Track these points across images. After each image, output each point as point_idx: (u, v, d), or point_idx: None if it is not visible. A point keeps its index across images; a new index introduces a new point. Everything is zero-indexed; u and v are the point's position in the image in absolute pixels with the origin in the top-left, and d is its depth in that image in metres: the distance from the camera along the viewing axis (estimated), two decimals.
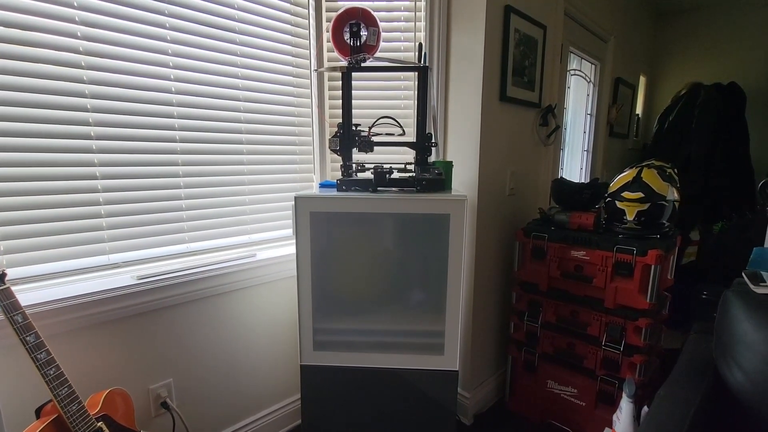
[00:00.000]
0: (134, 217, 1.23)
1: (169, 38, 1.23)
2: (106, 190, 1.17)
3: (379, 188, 1.24)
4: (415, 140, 1.33)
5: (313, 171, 1.67)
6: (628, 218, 1.35)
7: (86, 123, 1.11)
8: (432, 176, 1.25)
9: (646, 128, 3.40)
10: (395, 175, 1.29)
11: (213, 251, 1.43)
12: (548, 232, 1.53)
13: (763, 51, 2.90)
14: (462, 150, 1.56)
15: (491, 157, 1.58)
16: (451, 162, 1.37)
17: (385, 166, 1.30)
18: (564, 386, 1.55)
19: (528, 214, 1.89)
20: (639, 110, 3.23)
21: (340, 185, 1.26)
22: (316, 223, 1.23)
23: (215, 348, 1.38)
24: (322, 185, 1.40)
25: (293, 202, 1.19)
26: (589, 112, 2.42)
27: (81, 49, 1.09)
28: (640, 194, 1.31)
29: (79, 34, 1.08)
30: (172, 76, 1.26)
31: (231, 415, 1.45)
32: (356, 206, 1.18)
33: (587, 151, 2.48)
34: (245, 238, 1.51)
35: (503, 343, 1.87)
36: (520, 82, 1.64)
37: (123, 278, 1.20)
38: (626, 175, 1.38)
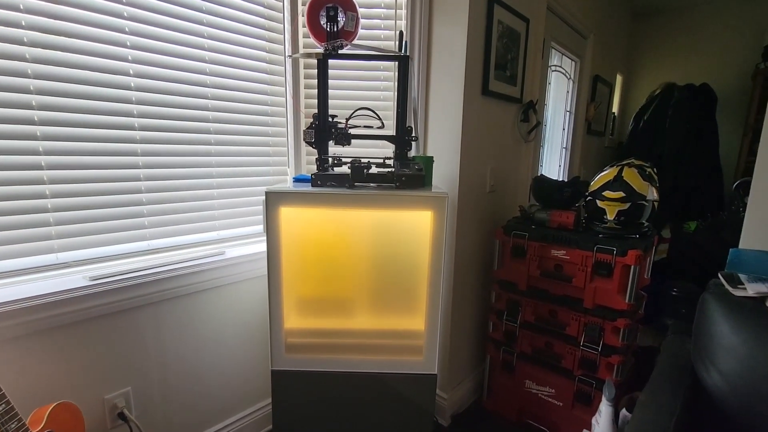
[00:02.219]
0: (86, 211, 1.12)
1: (126, 14, 1.12)
2: (52, 181, 1.05)
3: (356, 184, 1.18)
4: (394, 134, 1.27)
5: (287, 164, 1.58)
6: (609, 218, 1.34)
7: (29, 106, 1.00)
8: (412, 172, 1.19)
9: (622, 126, 3.45)
10: (374, 170, 1.23)
11: (178, 249, 1.33)
12: (528, 231, 1.50)
13: (735, 54, 2.98)
14: (442, 145, 1.51)
15: (472, 152, 1.54)
16: (432, 157, 1.32)
17: (363, 160, 1.23)
18: (542, 386, 1.54)
19: (508, 211, 1.87)
20: (615, 109, 3.27)
21: (314, 180, 1.19)
22: (288, 220, 1.15)
23: (180, 353, 1.29)
24: (297, 179, 1.32)
25: (264, 198, 1.11)
26: (568, 109, 2.42)
27: (23, 23, 0.97)
28: (621, 194, 1.30)
29: (21, 7, 0.96)
30: (129, 57, 1.14)
31: (197, 422, 1.36)
32: (332, 202, 1.12)
33: (566, 148, 2.48)
34: (213, 235, 1.42)
35: (481, 343, 1.86)
36: (503, 76, 1.60)
37: (74, 279, 1.09)
38: (607, 173, 1.37)
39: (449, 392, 1.66)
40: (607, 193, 1.33)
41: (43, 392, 1.03)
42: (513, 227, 1.55)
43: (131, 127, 1.17)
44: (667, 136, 2.72)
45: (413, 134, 1.27)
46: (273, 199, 1.11)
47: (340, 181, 1.17)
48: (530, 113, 1.83)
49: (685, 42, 3.16)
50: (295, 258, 1.20)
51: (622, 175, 1.32)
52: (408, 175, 1.18)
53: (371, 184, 1.20)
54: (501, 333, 1.63)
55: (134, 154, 1.19)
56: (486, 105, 1.56)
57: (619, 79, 3.21)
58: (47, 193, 1.05)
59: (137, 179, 1.21)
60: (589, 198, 1.40)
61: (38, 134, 1.02)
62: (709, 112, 2.77)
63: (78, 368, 1.08)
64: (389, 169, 1.26)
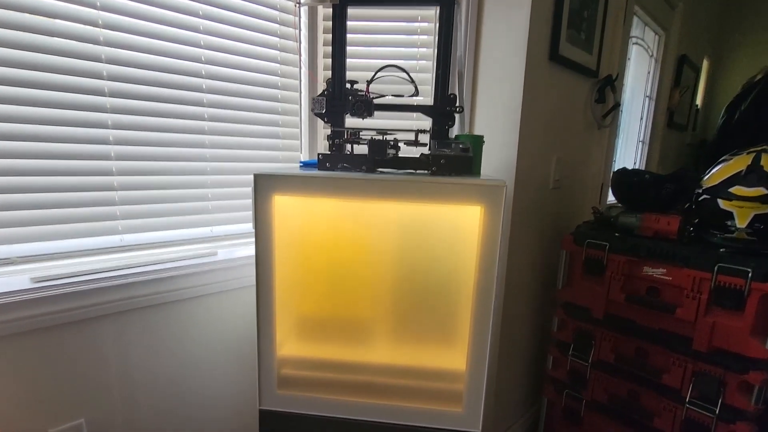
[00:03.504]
0: (36, 195, 0.89)
1: None
2: None
3: (378, 167, 0.87)
4: (432, 103, 0.95)
5: (300, 148, 1.30)
6: (738, 224, 0.94)
7: None
8: (455, 152, 0.86)
9: (707, 122, 2.91)
10: (403, 150, 0.92)
11: (160, 246, 1.08)
12: (609, 240, 1.12)
13: None
14: (495, 123, 1.17)
15: (534, 136, 1.18)
16: (482, 137, 0.98)
17: (388, 136, 0.92)
18: None
19: (575, 214, 1.49)
20: (699, 100, 2.75)
21: (322, 162, 0.89)
22: (285, 214, 0.86)
23: (153, 378, 1.03)
24: (305, 164, 1.03)
25: (252, 183, 0.83)
26: (648, 94, 1.98)
27: None
28: (762, 190, 0.90)
29: None
30: (100, 22, 0.91)
31: None
32: (342, 191, 0.81)
33: (643, 142, 2.04)
34: (206, 232, 1.16)
35: (536, 380, 1.47)
36: (576, 38, 1.24)
37: (17, 279, 0.86)
38: (735, 162, 0.97)
39: None
40: (737, 190, 0.93)
41: None
42: (586, 234, 1.18)
43: (100, 93, 0.93)
44: None
45: (457, 104, 0.94)
46: (264, 184, 0.82)
47: (356, 163, 0.87)
48: (607, 92, 1.45)
49: None
50: (294, 264, 0.91)
51: (761, 164, 0.92)
52: (449, 157, 0.85)
53: (397, 169, 0.89)
54: (565, 371, 1.25)
55: (104, 126, 0.95)
56: (554, 75, 1.20)
57: (705, 64, 2.69)
58: None
59: (107, 158, 0.96)
60: (704, 197, 1.00)
61: None
62: None
63: (14, 392, 0.84)
64: (423, 150, 0.94)
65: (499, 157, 1.17)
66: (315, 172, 0.83)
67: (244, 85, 1.15)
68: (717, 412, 0.96)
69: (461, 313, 0.88)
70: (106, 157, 0.96)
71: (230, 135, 1.15)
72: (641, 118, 2.00)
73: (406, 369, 0.91)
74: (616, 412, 1.16)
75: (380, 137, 0.88)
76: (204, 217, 1.14)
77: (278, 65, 1.21)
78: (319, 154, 0.89)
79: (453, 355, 0.90)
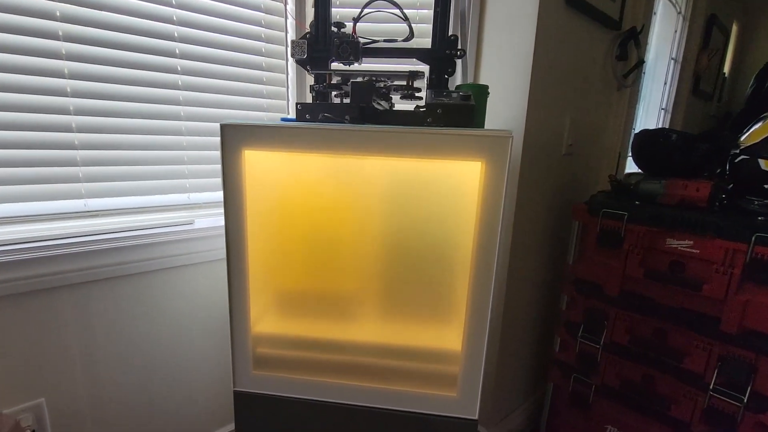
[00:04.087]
0: None
1: None
2: None
3: (365, 120, 0.75)
4: (430, 47, 0.82)
5: (286, 108, 1.18)
6: None
7: None
8: (454, 101, 0.74)
9: (733, 92, 2.71)
10: (398, 106, 0.80)
11: (130, 213, 0.99)
12: (628, 209, 1.00)
13: None
14: (502, 75, 1.03)
15: (546, 92, 1.05)
16: (486, 86, 0.86)
17: (379, 80, 0.80)
18: None
19: (590, 183, 1.36)
20: (726, 68, 2.55)
21: (301, 112, 0.78)
22: (258, 173, 0.75)
23: (121, 355, 0.95)
24: (286, 120, 0.92)
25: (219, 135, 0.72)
26: (673, 56, 1.81)
27: None
28: None
29: None
30: None
31: None
32: (322, 144, 0.70)
33: (665, 109, 1.88)
34: (182, 198, 1.06)
35: (541, 363, 1.38)
36: None
37: None
38: None
39: (492, 429, 1.22)
40: None
41: None
42: (602, 203, 1.05)
43: (54, 36, 0.82)
44: None
45: (459, 47, 0.81)
46: (232, 136, 0.71)
47: (339, 112, 0.75)
48: (630, 47, 1.29)
49: None
50: (271, 231, 0.81)
51: None
52: (447, 106, 0.73)
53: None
54: (573, 354, 1.15)
55: (59, 75, 0.84)
56: (571, 22, 1.06)
57: (735, 28, 2.48)
58: None
59: (65, 112, 0.86)
60: (741, 158, 0.87)
61: None
62: None
63: None
64: (420, 104, 0.82)
65: (505, 115, 1.04)
66: (293, 123, 0.72)
67: (222, 35, 1.03)
68: (745, 400, 0.85)
69: (459, 286, 0.78)
70: (64, 111, 0.86)
71: (208, 91, 1.04)
72: (665, 83, 1.83)
73: (396, 348, 0.82)
74: (628, 399, 1.06)
75: (369, 78, 0.76)
76: (180, 182, 1.04)
77: (262, 14, 1.09)
78: (297, 104, 0.78)
79: (448, 334, 0.80)
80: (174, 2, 0.95)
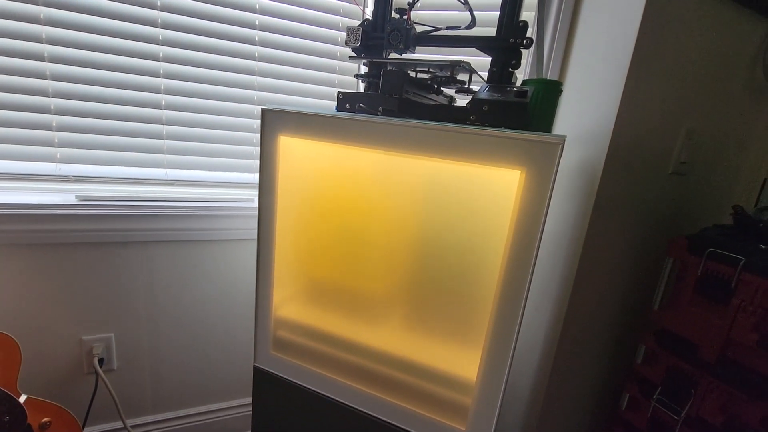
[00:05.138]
0: (88, 120, 0.94)
1: None
2: (54, 78, 0.89)
3: (400, 111, 0.69)
4: (495, 35, 0.72)
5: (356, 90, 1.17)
6: None
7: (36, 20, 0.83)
8: (504, 97, 0.64)
9: None
10: (441, 94, 0.73)
11: (200, 186, 1.09)
12: (749, 253, 0.76)
13: None
14: (595, 72, 0.87)
15: (651, 95, 0.85)
16: (558, 83, 0.72)
17: (422, 72, 0.73)
18: None
19: (706, 213, 1.08)
20: None
21: (342, 101, 0.75)
22: (295, 160, 0.76)
23: (179, 310, 1.07)
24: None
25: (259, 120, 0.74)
26: None
27: None
28: None
29: None
30: None
31: (192, 393, 1.14)
32: (349, 136, 0.67)
33: None
34: (248, 178, 1.13)
35: (601, 418, 1.16)
36: None
37: (65, 196, 0.94)
38: None
39: None
40: None
41: (11, 313, 0.91)
42: (712, 240, 0.82)
43: (152, 23, 0.94)
44: None
45: (527, 36, 0.69)
46: (270, 121, 0.73)
47: (374, 103, 0.71)
48: None
49: None
50: (305, 220, 0.81)
51: None
52: (495, 103, 0.64)
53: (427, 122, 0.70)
54: (644, 419, 0.94)
55: (155, 58, 0.96)
56: (701, 6, 0.83)
57: None
58: (49, 90, 0.90)
59: (157, 91, 0.98)
60: None
61: (43, 37, 0.85)
62: None
63: (55, 297, 0.94)
64: (470, 96, 0.73)
65: (592, 118, 0.87)
66: (323, 112, 0.70)
67: (299, 24, 1.06)
68: None
69: (486, 309, 0.68)
70: (156, 90, 0.98)
71: (282, 78, 1.08)
72: None
73: (409, 362, 0.76)
74: None
75: (406, 67, 0.69)
76: (247, 162, 1.12)
77: (341, 3, 1.09)
78: (339, 92, 0.75)
79: (466, 360, 0.71)
80: None
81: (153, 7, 0.93)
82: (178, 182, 1.06)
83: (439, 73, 0.74)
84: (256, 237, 1.09)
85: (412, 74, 0.74)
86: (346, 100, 0.75)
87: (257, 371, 0.86)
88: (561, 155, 0.55)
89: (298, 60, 1.08)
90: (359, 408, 0.78)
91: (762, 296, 0.73)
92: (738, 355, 0.78)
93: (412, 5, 0.76)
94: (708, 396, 0.82)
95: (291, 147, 0.74)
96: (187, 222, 1.02)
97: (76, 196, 0.92)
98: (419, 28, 0.77)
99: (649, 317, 0.92)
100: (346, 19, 1.10)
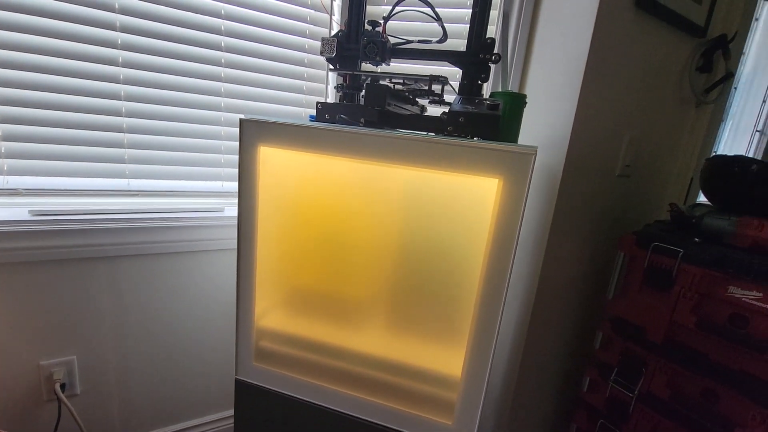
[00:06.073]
0: (41, 129, 0.88)
1: None
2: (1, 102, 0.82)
3: (381, 122, 0.72)
4: (465, 50, 0.77)
5: (325, 98, 1.19)
6: None
7: None
8: (479, 110, 0.68)
9: None
10: (418, 106, 0.76)
11: (166, 195, 1.05)
12: (686, 246, 0.87)
13: None
14: (552, 84, 0.94)
15: (601, 106, 0.94)
16: (523, 95, 0.78)
17: (396, 83, 0.76)
18: None
19: (647, 210, 1.21)
20: None
21: (321, 112, 0.77)
22: (275, 170, 0.76)
23: (149, 327, 1.02)
24: (314, 118, 0.92)
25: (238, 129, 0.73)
26: None
27: None
28: None
29: None
30: None
31: (163, 414, 1.10)
32: (333, 147, 0.68)
33: (761, 132, 1.61)
34: (215, 186, 1.11)
35: (565, 401, 1.26)
36: None
37: (17, 211, 0.87)
38: None
39: None
40: None
41: None
42: (655, 235, 0.92)
43: (111, 27, 0.89)
44: None
45: (495, 51, 0.74)
46: (249, 132, 0.72)
47: (356, 114, 0.73)
48: (717, 57, 1.12)
49: None
50: (285, 229, 0.81)
51: None
52: (471, 115, 0.68)
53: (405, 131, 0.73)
54: (602, 398, 1.03)
55: (114, 63, 0.91)
56: (641, 27, 0.94)
57: None
58: None
59: (116, 97, 0.93)
60: None
61: None
62: None
63: (8, 320, 0.86)
64: (445, 108, 0.77)
65: (551, 127, 0.95)
66: (305, 122, 0.71)
67: (267, 30, 1.05)
68: None
69: (466, 309, 0.72)
70: (115, 96, 0.93)
71: (249, 85, 1.07)
72: (764, 101, 1.57)
73: (395, 364, 0.78)
74: None
75: (385, 83, 0.72)
76: (215, 171, 1.09)
77: (308, 10, 1.09)
78: (318, 103, 0.76)
79: (450, 357, 0.75)
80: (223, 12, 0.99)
81: (111, 9, 0.88)
82: (143, 193, 1.01)
83: (414, 86, 0.78)
84: (228, 247, 1.07)
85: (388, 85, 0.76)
86: (325, 111, 0.76)
87: (239, 384, 0.85)
88: (534, 164, 0.60)
89: (266, 66, 1.07)
90: (348, 412, 0.79)
91: (698, 283, 0.84)
92: (680, 336, 0.89)
93: (386, 19, 0.79)
94: (656, 374, 0.92)
95: (271, 156, 0.74)
96: (154, 234, 0.98)
97: (30, 211, 0.86)
98: (392, 40, 0.80)
99: (605, 306, 1.02)
100: (313, 26, 1.11)
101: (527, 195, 0.61)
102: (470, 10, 1.02)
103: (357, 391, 0.79)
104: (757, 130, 1.61)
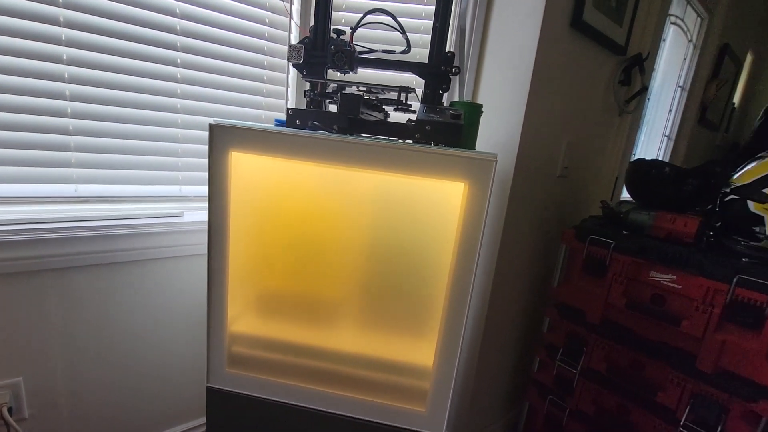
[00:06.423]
0: None
1: None
2: None
3: (353, 129, 0.75)
4: (427, 62, 0.82)
5: (285, 105, 1.19)
6: None
7: None
8: (444, 119, 0.74)
9: (742, 124, 2.69)
10: (393, 117, 0.80)
11: (119, 201, 0.99)
12: (616, 238, 1.00)
13: None
14: (501, 94, 1.03)
15: (544, 113, 1.05)
16: (480, 105, 0.86)
17: (369, 92, 0.80)
18: None
19: (582, 207, 1.35)
20: (737, 98, 2.53)
21: (291, 117, 0.78)
22: (246, 175, 0.76)
23: (104, 341, 0.96)
24: (281, 122, 0.92)
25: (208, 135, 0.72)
26: (680, 84, 1.80)
27: None
28: None
29: None
30: None
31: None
32: (307, 153, 0.70)
33: (668, 137, 1.87)
34: (173, 190, 1.07)
35: (519, 382, 1.38)
36: (605, 4, 1.08)
37: None
38: None
39: None
40: None
41: None
42: (591, 229, 1.05)
43: (54, 22, 0.83)
44: None
45: (455, 64, 0.81)
46: (220, 137, 0.72)
47: (328, 121, 0.75)
48: (634, 73, 1.29)
49: None
50: (256, 234, 0.81)
51: None
52: (436, 124, 0.73)
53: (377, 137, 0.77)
54: (551, 376, 1.15)
55: (57, 60, 0.85)
56: (574, 45, 1.06)
57: (749, 59, 2.46)
58: None
59: (62, 97, 0.87)
60: (731, 197, 0.87)
61: None
62: None
63: None
64: (413, 116, 0.82)
65: (500, 133, 1.04)
66: (279, 128, 0.72)
67: (224, 31, 1.03)
68: None
69: (436, 303, 0.78)
70: (60, 96, 0.87)
71: (206, 86, 1.04)
72: (670, 110, 1.82)
73: (370, 359, 0.82)
74: (600, 426, 1.06)
75: (358, 90, 0.76)
76: (172, 174, 1.05)
77: (267, 13, 1.09)
78: (288, 109, 0.78)
79: (422, 349, 0.81)
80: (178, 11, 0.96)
81: (53, 3, 0.82)
82: (93, 199, 0.95)
83: (383, 95, 0.82)
84: (190, 253, 1.04)
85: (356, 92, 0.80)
86: (296, 117, 0.78)
87: (211, 392, 0.84)
88: (495, 169, 0.67)
89: (224, 68, 1.05)
90: (325, 409, 0.82)
91: (627, 269, 0.98)
92: (614, 316, 1.02)
93: (354, 29, 0.82)
94: (595, 351, 1.05)
95: (242, 160, 0.74)
96: (108, 243, 0.93)
97: None
98: (357, 48, 0.84)
99: (551, 294, 1.14)
100: (272, 29, 1.11)
101: (490, 197, 0.67)
102: (425, 21, 1.09)
103: (333, 388, 0.82)
104: (665, 135, 1.87)
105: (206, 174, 1.09)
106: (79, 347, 0.93)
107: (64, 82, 0.87)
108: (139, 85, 0.95)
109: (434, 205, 0.73)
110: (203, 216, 1.07)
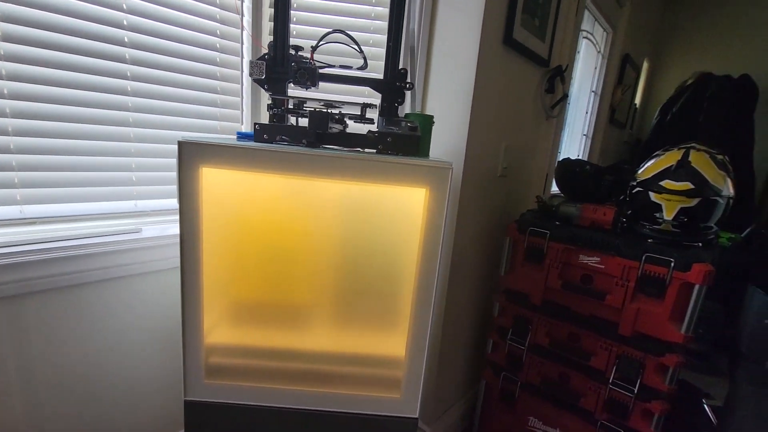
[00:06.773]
0: None
1: None
2: None
3: (320, 142, 0.81)
4: (382, 77, 0.90)
5: (240, 119, 1.20)
6: (665, 216, 0.99)
7: None
8: (403, 131, 0.82)
9: (643, 122, 3.11)
10: (351, 127, 0.86)
11: (70, 221, 0.95)
12: (550, 228, 1.15)
13: None
14: (447, 105, 1.14)
15: (485, 121, 1.17)
16: (432, 117, 0.95)
17: (334, 108, 0.86)
18: (550, 427, 1.21)
19: (520, 202, 1.51)
20: (637, 100, 2.92)
21: (259, 132, 0.81)
22: (216, 190, 0.78)
23: (62, 370, 0.92)
24: (243, 135, 0.94)
25: (176, 152, 0.74)
26: (593, 90, 2.06)
27: None
28: (688, 185, 0.95)
29: None
30: None
31: None
32: (279, 166, 0.75)
33: (586, 135, 2.13)
34: (128, 205, 1.04)
35: (476, 363, 1.51)
36: (530, 24, 1.23)
37: None
38: (666, 157, 1.01)
39: (432, 425, 1.32)
40: (667, 183, 0.97)
41: None
42: (529, 222, 1.20)
43: None
44: (701, 134, 2.38)
45: (407, 80, 0.89)
46: (190, 154, 0.73)
47: (297, 135, 0.80)
48: (557, 82, 1.47)
49: (725, 26, 2.80)
50: (226, 245, 0.83)
51: (689, 159, 0.97)
52: (397, 136, 0.81)
53: (341, 149, 0.83)
54: (503, 355, 1.29)
55: None
56: (507, 59, 1.19)
57: (645, 66, 2.85)
58: None
59: (1, 114, 0.82)
60: (637, 189, 1.05)
61: None
62: (746, 109, 2.43)
63: None
64: (371, 127, 0.89)
65: (448, 140, 1.14)
66: (250, 143, 0.75)
67: (175, 43, 1.02)
68: (635, 391, 1.03)
69: (404, 299, 0.86)
70: (0, 113, 0.82)
71: (159, 98, 1.03)
72: (586, 112, 2.08)
73: (346, 356, 0.88)
74: (547, 394, 1.21)
75: (325, 109, 0.81)
76: (126, 189, 1.02)
77: (217, 24, 1.10)
78: (255, 124, 0.81)
79: (393, 341, 0.88)
80: (125, 7, 0.94)
81: None
82: (41, 220, 0.90)
83: (344, 110, 0.88)
84: (150, 270, 1.03)
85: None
86: (263, 131, 0.81)
87: (190, 405, 0.85)
88: (452, 175, 0.76)
89: (176, 80, 1.05)
90: (305, 407, 0.86)
91: (561, 255, 1.13)
92: (552, 297, 1.17)
93: (314, 48, 0.88)
94: (539, 328, 1.20)
95: (211, 175, 0.76)
96: (60, 265, 0.89)
97: None
98: (316, 64, 0.89)
99: (499, 281, 1.27)
100: (224, 40, 1.12)
101: (449, 199, 0.77)
102: (374, 35, 1.16)
103: (314, 387, 0.86)
104: (583, 134, 2.12)
105: (163, 187, 1.08)
106: (39, 380, 0.88)
107: (4, 98, 0.82)
108: (86, 99, 0.92)
109: (398, 210, 0.81)
110: (163, 230, 1.05)
